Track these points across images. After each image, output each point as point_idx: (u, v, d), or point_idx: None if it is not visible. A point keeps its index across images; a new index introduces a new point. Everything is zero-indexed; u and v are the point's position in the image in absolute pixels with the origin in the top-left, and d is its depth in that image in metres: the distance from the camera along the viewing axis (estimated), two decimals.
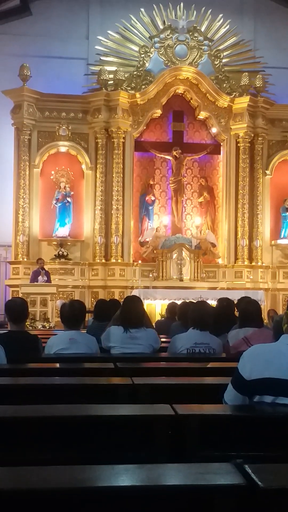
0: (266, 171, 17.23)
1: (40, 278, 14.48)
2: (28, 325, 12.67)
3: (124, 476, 1.76)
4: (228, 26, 17.17)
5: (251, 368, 2.75)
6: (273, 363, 2.73)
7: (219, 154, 17.36)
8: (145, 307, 5.87)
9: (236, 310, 6.55)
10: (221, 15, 17.08)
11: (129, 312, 5.30)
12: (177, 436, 2.62)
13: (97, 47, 16.82)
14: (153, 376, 3.94)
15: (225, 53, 17.23)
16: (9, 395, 3.37)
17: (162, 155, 17.10)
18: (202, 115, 16.98)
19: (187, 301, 8.85)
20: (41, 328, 13.42)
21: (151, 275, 16.23)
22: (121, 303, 5.86)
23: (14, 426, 2.66)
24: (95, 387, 3.58)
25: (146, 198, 17.05)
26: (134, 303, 5.47)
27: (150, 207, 17.10)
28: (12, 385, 3.61)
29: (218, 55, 17.11)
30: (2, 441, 2.60)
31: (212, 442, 2.60)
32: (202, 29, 17.04)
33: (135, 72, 16.70)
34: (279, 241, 17.25)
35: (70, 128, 16.33)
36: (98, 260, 16.21)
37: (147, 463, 1.96)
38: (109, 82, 16.45)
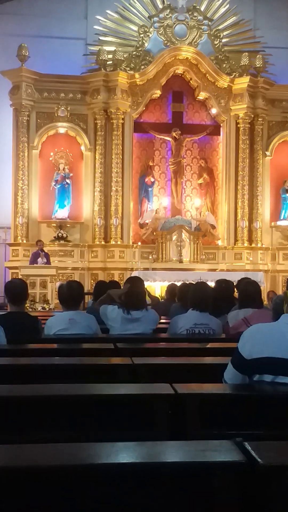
0: (266, 152, 17.16)
1: (39, 260, 14.48)
2: (27, 307, 12.70)
3: (124, 453, 1.77)
4: (227, 6, 17.01)
5: (251, 347, 2.76)
6: (273, 343, 2.73)
7: (219, 135, 17.29)
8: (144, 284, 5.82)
9: (235, 291, 6.55)
10: None
11: (132, 294, 5.28)
12: (177, 415, 2.63)
13: (95, 27, 16.66)
14: (153, 356, 3.95)
15: (224, 33, 17.09)
16: (9, 375, 3.37)
17: (161, 136, 17.02)
18: (202, 95, 16.88)
19: (187, 282, 8.85)
20: (41, 310, 13.45)
21: (150, 257, 16.24)
22: (122, 285, 5.86)
23: (15, 406, 2.67)
24: (95, 367, 3.59)
25: (146, 180, 17.00)
26: (136, 283, 5.46)
27: (150, 189, 17.05)
28: (12, 365, 3.62)
29: (218, 35, 16.97)
30: (2, 421, 2.61)
31: (212, 421, 2.61)
32: (202, 9, 16.89)
33: (134, 52, 16.57)
34: (279, 223, 17.23)
35: (69, 109, 16.24)
36: (98, 242, 16.20)
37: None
38: (108, 63, 16.33)
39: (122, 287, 6.22)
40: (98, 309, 5.51)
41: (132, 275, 14.57)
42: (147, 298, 5.64)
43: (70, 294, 5.12)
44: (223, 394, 2.75)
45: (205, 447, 1.81)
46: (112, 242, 16.15)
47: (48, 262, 14.64)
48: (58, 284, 13.64)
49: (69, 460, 1.73)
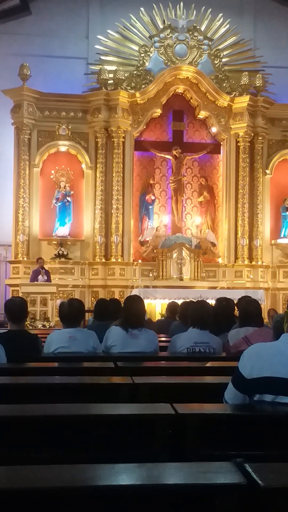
0: (266, 171, 17.23)
1: (40, 277, 14.48)
2: (28, 325, 12.67)
3: (124, 475, 1.76)
4: (228, 26, 17.16)
5: (251, 366, 2.75)
6: (273, 362, 2.72)
7: (219, 153, 17.36)
8: (144, 303, 5.84)
9: (236, 309, 6.54)
10: (221, 15, 17.07)
11: (130, 312, 5.29)
12: (178, 435, 2.62)
13: (97, 46, 16.81)
14: (154, 376, 3.94)
15: (225, 53, 17.22)
16: (9, 394, 3.36)
17: (162, 155, 17.09)
18: (202, 114, 16.98)
19: (188, 300, 8.84)
20: (41, 327, 13.42)
21: (151, 275, 16.23)
22: (122, 303, 5.86)
23: (14, 426, 2.66)
24: (95, 386, 3.57)
25: (146, 198, 17.05)
26: (135, 302, 5.46)
27: (150, 207, 17.10)
28: (12, 384, 3.60)
29: (218, 54, 17.10)
30: (2, 441, 2.60)
31: (213, 441, 2.60)
32: (202, 29, 17.04)
33: (135, 72, 16.70)
34: (279, 241, 17.24)
35: (70, 127, 16.33)
36: (98, 260, 16.20)
37: (148, 462, 1.95)
38: (109, 82, 16.44)
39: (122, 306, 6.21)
40: (100, 328, 5.50)
41: (133, 292, 14.58)
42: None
43: (71, 312, 5.13)
44: (223, 415, 2.74)
45: (205, 468, 1.80)
46: (113, 260, 16.15)
47: (48, 279, 14.63)
48: (58, 301, 13.64)
49: (69, 482, 1.72)
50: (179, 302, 9.21)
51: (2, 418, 2.66)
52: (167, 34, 16.80)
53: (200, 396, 3.23)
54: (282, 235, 17.24)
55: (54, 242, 16.28)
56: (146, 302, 13.75)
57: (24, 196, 15.97)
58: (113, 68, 16.49)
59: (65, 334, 5.10)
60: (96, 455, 2.59)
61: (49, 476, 1.77)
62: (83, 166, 16.60)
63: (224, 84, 17.03)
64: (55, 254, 16.14)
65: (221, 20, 17.14)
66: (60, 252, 16.10)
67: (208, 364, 4.63)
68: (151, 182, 17.14)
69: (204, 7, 16.90)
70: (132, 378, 3.51)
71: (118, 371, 4.15)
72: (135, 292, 14.57)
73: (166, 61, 16.78)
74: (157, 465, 1.91)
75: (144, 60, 16.77)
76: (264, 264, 16.94)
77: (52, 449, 2.62)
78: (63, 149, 16.64)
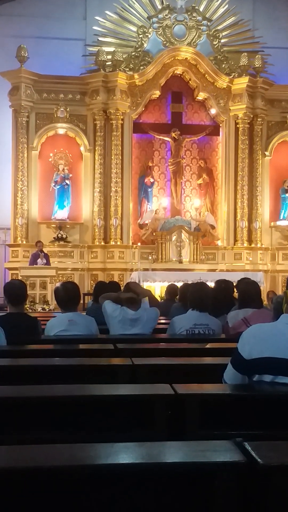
0: (266, 153, 17.17)
1: (39, 260, 14.49)
2: (27, 308, 12.71)
3: (124, 454, 1.77)
4: (226, 6, 17.02)
5: (250, 347, 2.75)
6: (272, 343, 2.73)
7: (218, 135, 17.31)
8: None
9: (235, 291, 6.55)
10: None
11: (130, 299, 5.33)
12: (177, 416, 2.63)
13: (94, 27, 16.68)
14: (153, 357, 3.95)
15: (224, 33, 17.10)
16: (9, 376, 3.37)
17: (161, 137, 17.03)
18: (201, 96, 16.89)
19: (188, 283, 8.85)
20: (41, 310, 13.46)
21: (150, 258, 16.24)
22: (122, 286, 5.87)
23: (14, 407, 2.67)
24: (95, 367, 3.58)
25: (145, 180, 17.00)
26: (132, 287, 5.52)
27: (149, 189, 17.06)
28: (12, 366, 3.61)
29: (217, 35, 16.97)
30: (2, 422, 2.61)
31: (212, 421, 2.61)
32: (201, 9, 16.90)
33: (133, 53, 16.58)
34: (279, 223, 17.23)
35: (68, 109, 16.25)
36: (97, 243, 16.20)
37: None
38: (107, 63, 16.34)
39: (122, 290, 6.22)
40: (102, 302, 5.51)
41: (132, 275, 14.61)
42: (146, 299, 5.64)
43: (67, 296, 5.13)
44: (222, 395, 2.74)
45: (205, 447, 1.81)
46: (112, 243, 16.15)
47: (47, 263, 14.64)
48: (58, 284, 13.67)
49: (68, 461, 1.73)
50: (179, 284, 9.22)
51: (2, 400, 2.67)
52: (166, 15, 16.66)
53: (200, 377, 3.24)
54: (281, 217, 17.23)
55: (53, 226, 16.27)
56: (146, 285, 13.79)
57: (23, 179, 15.92)
58: (111, 49, 16.38)
59: (64, 318, 5.11)
60: (96, 435, 2.60)
61: (48, 455, 1.78)
62: (82, 148, 16.54)
63: (223, 65, 16.92)
64: (54, 238, 16.14)
65: (220, 0, 16.97)
66: (59, 235, 16.09)
67: (208, 346, 4.63)
68: (150, 164, 17.09)
69: None
70: (132, 360, 3.52)
71: (118, 352, 4.16)
72: (134, 275, 14.59)
73: (164, 42, 16.66)
74: (157, 444, 1.92)
75: (143, 41, 16.65)
76: (263, 246, 16.95)
77: (52, 430, 2.63)
78: (61, 131, 16.57)
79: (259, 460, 1.67)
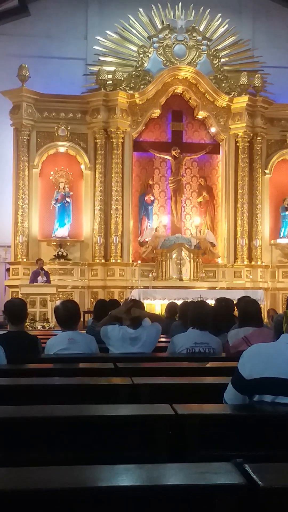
0: (265, 171, 17.23)
1: (39, 278, 14.48)
2: (27, 326, 12.68)
3: (124, 476, 1.76)
4: (226, 26, 17.17)
5: (251, 367, 2.75)
6: (273, 362, 2.72)
7: (218, 153, 17.38)
8: (145, 307, 5.85)
9: (235, 309, 6.54)
10: (219, 15, 17.09)
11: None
12: (177, 436, 2.61)
13: (95, 47, 16.83)
14: (153, 376, 3.94)
15: (223, 53, 17.24)
16: (8, 395, 3.36)
17: (161, 155, 17.11)
18: (201, 114, 16.99)
19: (188, 300, 8.84)
20: (41, 328, 13.42)
21: (150, 275, 16.23)
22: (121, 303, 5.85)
23: (14, 427, 2.66)
24: (95, 387, 3.57)
25: (146, 198, 17.05)
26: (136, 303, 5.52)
27: (150, 207, 17.11)
28: (12, 385, 3.60)
29: (217, 54, 17.11)
30: (2, 442, 2.59)
31: (212, 441, 2.60)
32: (201, 29, 17.05)
33: (133, 72, 16.71)
34: (279, 241, 17.25)
35: (69, 128, 16.34)
36: (98, 260, 16.21)
37: (147, 463, 1.96)
38: (107, 82, 16.46)
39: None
40: (99, 331, 5.50)
41: (132, 293, 14.59)
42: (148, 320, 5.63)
43: (67, 315, 5.12)
44: (223, 415, 2.73)
45: (205, 469, 1.80)
46: (112, 261, 16.16)
47: (48, 280, 14.63)
48: (58, 302, 13.64)
49: (69, 483, 1.72)
50: (179, 302, 9.21)
51: (2, 420, 2.66)
52: (166, 35, 16.81)
53: (200, 397, 3.23)
54: (281, 235, 17.25)
55: (54, 243, 16.28)
56: (146, 302, 13.77)
57: (23, 197, 15.97)
58: (112, 68, 16.50)
59: (64, 337, 5.10)
60: (96, 456, 2.59)
61: (49, 477, 1.77)
62: (82, 167, 16.61)
63: (223, 84, 17.04)
64: (54, 255, 16.15)
65: (220, 20, 17.16)
66: (60, 253, 16.11)
67: (208, 365, 4.62)
68: (150, 182, 17.15)
69: (202, 7, 16.92)
70: (132, 379, 3.51)
71: (118, 372, 4.15)
72: (134, 292, 14.58)
73: (165, 62, 16.79)
74: (157, 466, 1.91)
75: (143, 61, 16.78)
76: (263, 264, 16.95)
77: (52, 451, 2.61)
78: (62, 150, 16.65)
79: (259, 482, 1.66)
